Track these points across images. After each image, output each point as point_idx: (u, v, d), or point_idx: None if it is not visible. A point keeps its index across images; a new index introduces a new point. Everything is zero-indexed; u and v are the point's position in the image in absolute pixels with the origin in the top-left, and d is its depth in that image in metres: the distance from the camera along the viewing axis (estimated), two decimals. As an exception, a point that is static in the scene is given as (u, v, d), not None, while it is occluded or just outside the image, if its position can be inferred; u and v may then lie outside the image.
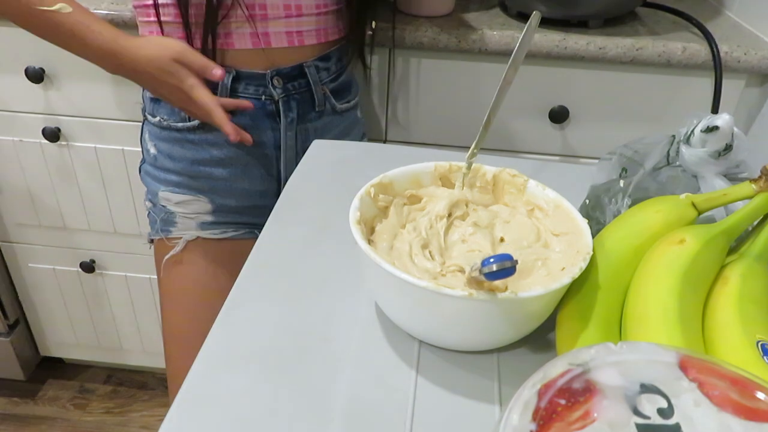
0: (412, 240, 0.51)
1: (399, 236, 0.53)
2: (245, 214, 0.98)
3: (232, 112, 0.91)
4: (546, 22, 1.09)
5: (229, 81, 0.89)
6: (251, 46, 0.88)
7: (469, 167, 0.58)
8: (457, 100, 1.16)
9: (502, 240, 0.53)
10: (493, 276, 0.41)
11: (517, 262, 0.42)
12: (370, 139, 1.20)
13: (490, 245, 0.52)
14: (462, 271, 0.49)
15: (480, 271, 0.42)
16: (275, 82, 0.91)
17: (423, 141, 1.20)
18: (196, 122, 0.91)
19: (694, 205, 0.51)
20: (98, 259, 1.45)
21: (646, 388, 0.30)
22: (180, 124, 0.92)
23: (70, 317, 1.57)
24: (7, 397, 1.67)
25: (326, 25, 0.93)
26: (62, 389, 1.70)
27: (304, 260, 0.60)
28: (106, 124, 1.24)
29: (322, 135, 0.97)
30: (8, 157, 1.31)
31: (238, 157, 0.94)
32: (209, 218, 0.96)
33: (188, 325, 1.00)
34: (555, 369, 0.31)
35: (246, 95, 0.91)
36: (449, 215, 0.55)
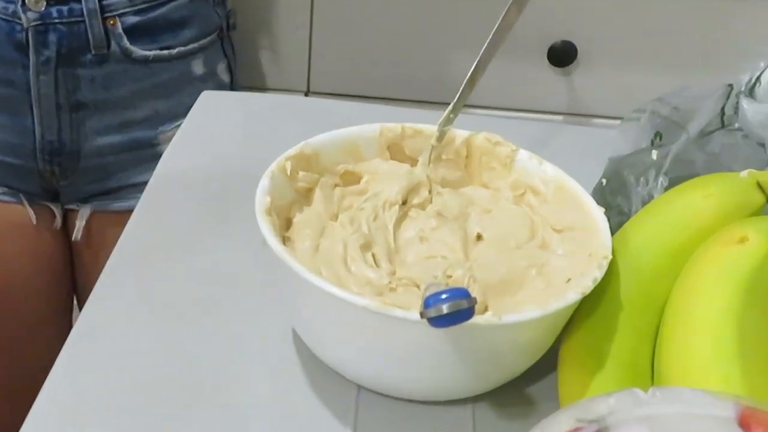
0: (347, 238, 0.51)
1: (328, 232, 0.53)
2: None
3: None
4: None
5: None
6: None
7: (440, 138, 0.58)
8: (407, 37, 1.16)
9: (479, 238, 0.53)
10: (441, 321, 0.39)
11: (476, 300, 0.40)
12: (287, 90, 1.20)
13: (461, 246, 0.52)
14: (419, 286, 0.48)
15: (422, 314, 0.39)
16: (29, 1, 0.90)
17: (361, 93, 1.20)
18: None
19: (760, 186, 0.51)
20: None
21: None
22: None
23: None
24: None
25: None
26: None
27: (189, 264, 0.60)
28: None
29: (110, 89, 0.96)
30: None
31: None
32: None
33: None
34: (558, 426, 0.32)
35: None
36: (404, 202, 0.54)
